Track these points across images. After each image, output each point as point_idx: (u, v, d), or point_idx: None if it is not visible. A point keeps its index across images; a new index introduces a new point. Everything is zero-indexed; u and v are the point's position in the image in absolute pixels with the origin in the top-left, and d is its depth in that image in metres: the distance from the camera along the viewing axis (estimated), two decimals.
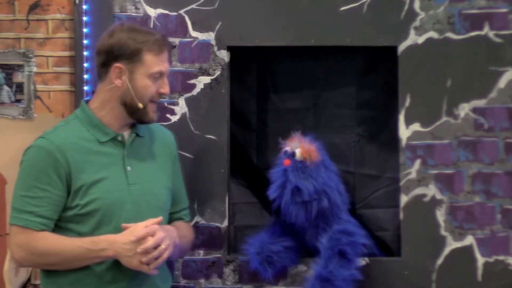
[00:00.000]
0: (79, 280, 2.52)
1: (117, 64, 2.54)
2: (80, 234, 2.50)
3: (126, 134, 2.61)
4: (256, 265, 3.10)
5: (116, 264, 2.52)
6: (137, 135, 2.64)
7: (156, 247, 2.49)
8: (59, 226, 2.51)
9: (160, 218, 2.56)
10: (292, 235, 3.13)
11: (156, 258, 2.50)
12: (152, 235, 2.49)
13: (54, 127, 2.59)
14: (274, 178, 3.02)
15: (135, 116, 2.59)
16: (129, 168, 2.57)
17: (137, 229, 2.50)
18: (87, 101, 2.65)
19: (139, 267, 2.48)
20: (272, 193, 3.02)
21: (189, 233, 2.84)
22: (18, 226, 2.47)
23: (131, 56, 2.55)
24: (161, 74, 2.59)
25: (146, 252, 2.47)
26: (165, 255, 2.52)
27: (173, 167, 2.78)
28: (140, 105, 2.56)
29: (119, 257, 2.48)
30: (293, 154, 3.00)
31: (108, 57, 2.55)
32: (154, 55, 2.56)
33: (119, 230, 2.52)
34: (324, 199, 2.99)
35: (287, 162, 3.00)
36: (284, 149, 3.04)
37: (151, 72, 2.56)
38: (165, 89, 2.61)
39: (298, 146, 3.00)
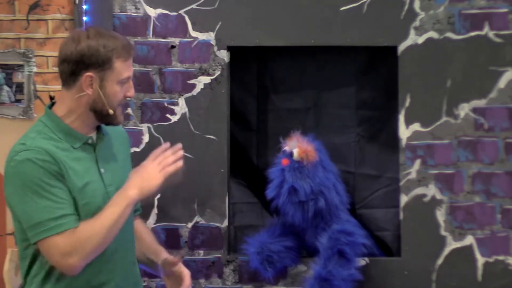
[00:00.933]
0: (68, 285, 2.51)
1: (89, 74, 2.48)
2: None
3: (93, 135, 2.60)
4: (256, 265, 3.10)
5: (103, 268, 2.52)
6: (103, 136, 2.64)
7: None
8: None
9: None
10: (292, 235, 3.13)
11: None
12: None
13: (29, 138, 2.49)
14: (272, 177, 3.03)
15: (104, 120, 2.57)
16: (102, 170, 2.56)
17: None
18: (50, 107, 2.59)
19: (162, 179, 2.50)
20: (270, 192, 3.03)
21: (149, 231, 2.84)
22: (55, 235, 2.43)
23: (102, 64, 2.49)
24: (128, 78, 2.58)
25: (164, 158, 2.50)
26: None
27: (130, 162, 2.78)
28: (111, 111, 2.54)
29: (142, 186, 2.47)
30: (291, 154, 3.00)
31: (78, 66, 2.48)
32: (123, 61, 2.53)
33: None
34: (321, 199, 2.99)
35: (285, 161, 3.01)
36: (283, 149, 3.04)
37: (121, 78, 2.53)
38: (131, 92, 2.58)
39: (296, 146, 3.01)
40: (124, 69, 2.53)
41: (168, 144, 2.51)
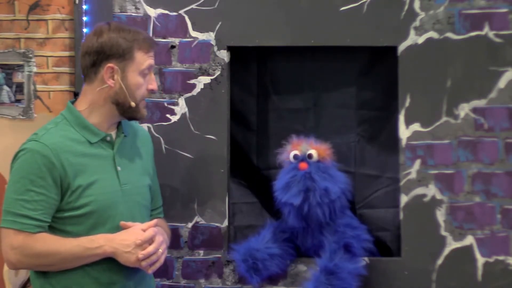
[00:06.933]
0: (76, 281, 2.52)
1: (110, 65, 2.53)
2: (75, 235, 2.50)
3: (113, 133, 2.61)
4: (242, 272, 3.09)
5: (111, 266, 2.52)
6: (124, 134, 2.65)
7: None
8: (54, 227, 2.50)
9: (155, 221, 2.59)
10: (283, 241, 3.11)
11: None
12: (153, 238, 2.51)
13: (44, 128, 2.54)
14: (293, 183, 2.98)
15: (127, 114, 2.59)
16: (119, 168, 2.57)
17: (136, 231, 2.51)
18: (72, 102, 2.63)
19: (137, 263, 2.49)
20: (294, 199, 2.97)
21: (168, 230, 2.85)
22: (13, 229, 2.46)
23: (123, 54, 2.54)
24: (149, 69, 2.59)
25: (146, 256, 2.49)
26: (162, 258, 2.55)
27: (152, 165, 2.79)
28: (133, 104, 2.56)
29: (117, 253, 2.49)
30: (309, 156, 2.98)
31: (99, 57, 2.53)
32: (144, 52, 2.58)
33: (113, 231, 2.52)
34: (343, 195, 3.00)
35: (303, 165, 2.97)
36: (293, 154, 3.01)
37: (142, 68, 2.57)
38: (153, 85, 2.62)
39: (312, 148, 3.00)
40: (145, 59, 2.57)
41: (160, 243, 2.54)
